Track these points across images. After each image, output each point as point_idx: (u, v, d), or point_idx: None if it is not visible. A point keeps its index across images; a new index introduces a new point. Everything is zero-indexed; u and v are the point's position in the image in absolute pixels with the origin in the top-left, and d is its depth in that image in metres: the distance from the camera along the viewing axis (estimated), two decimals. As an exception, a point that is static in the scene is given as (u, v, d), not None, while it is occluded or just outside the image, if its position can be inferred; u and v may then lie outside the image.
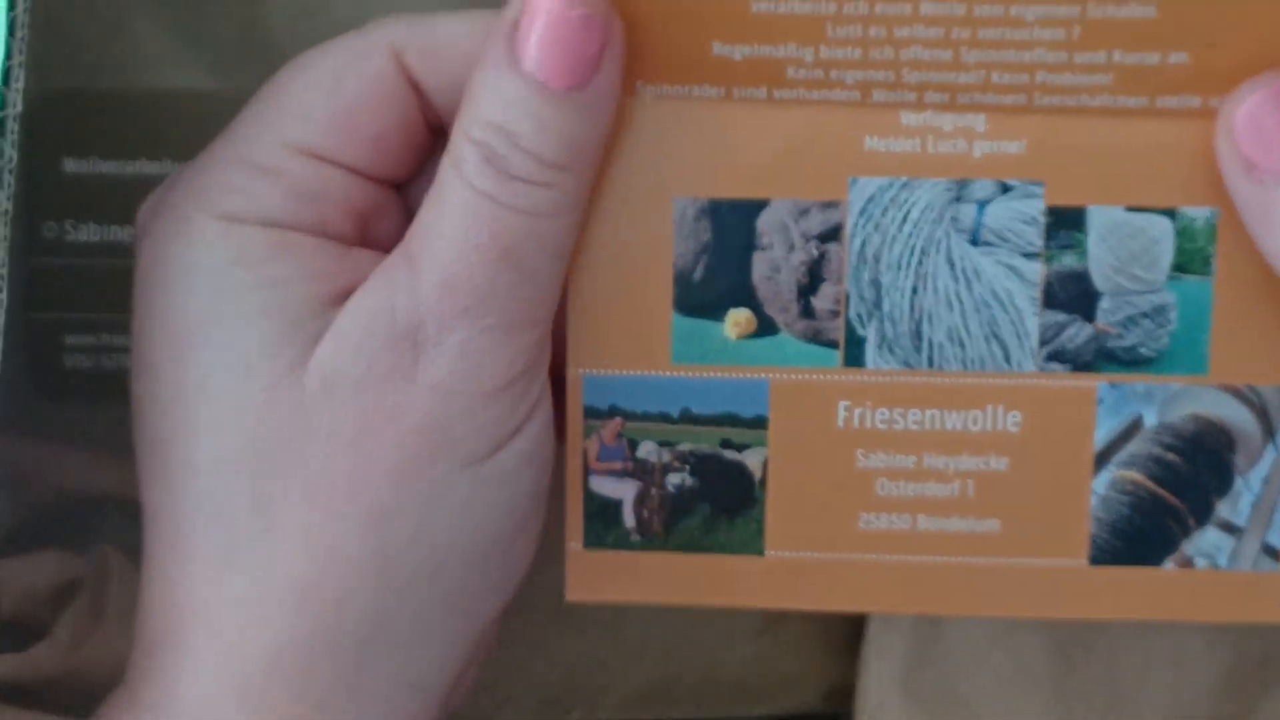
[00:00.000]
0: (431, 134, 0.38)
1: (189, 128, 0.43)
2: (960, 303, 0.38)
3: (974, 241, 0.38)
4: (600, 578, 0.40)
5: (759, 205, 0.38)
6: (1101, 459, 0.38)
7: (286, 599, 0.36)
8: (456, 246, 0.36)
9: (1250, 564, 0.39)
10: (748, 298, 0.38)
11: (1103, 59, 0.36)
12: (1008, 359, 0.38)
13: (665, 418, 0.39)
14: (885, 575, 0.39)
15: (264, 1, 0.43)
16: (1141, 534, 0.39)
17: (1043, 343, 0.38)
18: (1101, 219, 0.38)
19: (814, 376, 0.39)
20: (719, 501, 0.39)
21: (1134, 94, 0.37)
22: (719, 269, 0.38)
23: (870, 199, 0.38)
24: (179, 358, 0.37)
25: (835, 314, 0.38)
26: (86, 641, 0.45)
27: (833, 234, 0.38)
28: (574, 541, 0.39)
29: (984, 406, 0.38)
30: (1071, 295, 0.38)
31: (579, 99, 0.36)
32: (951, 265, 0.38)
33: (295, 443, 0.36)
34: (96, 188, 0.44)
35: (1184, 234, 0.38)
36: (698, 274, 0.38)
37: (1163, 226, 0.38)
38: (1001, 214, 0.38)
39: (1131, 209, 0.38)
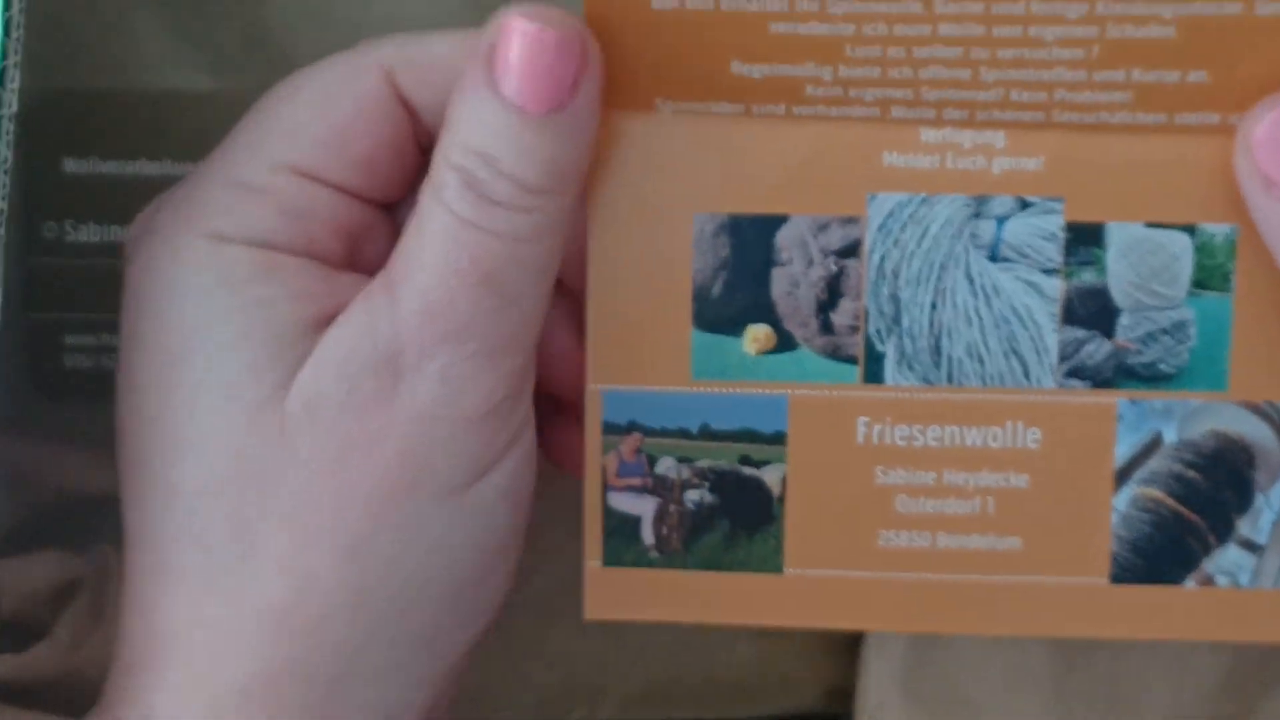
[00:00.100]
0: (422, 154, 0.38)
1: (189, 128, 0.43)
2: (979, 319, 0.38)
3: (993, 257, 0.38)
4: (619, 596, 0.39)
5: (778, 221, 0.38)
6: (1122, 476, 0.38)
7: (262, 626, 0.36)
8: (437, 272, 0.36)
9: (1272, 582, 0.39)
10: (767, 313, 0.38)
11: (1121, 77, 0.36)
12: (1027, 375, 0.38)
13: (684, 434, 0.39)
14: (905, 593, 0.39)
15: (265, 2, 0.43)
16: (1162, 552, 0.39)
17: (1062, 359, 0.38)
18: (1121, 235, 0.38)
19: (833, 392, 0.38)
20: (738, 518, 0.39)
21: (1153, 111, 0.37)
22: (738, 284, 0.38)
23: (889, 214, 0.38)
24: (164, 379, 0.36)
25: (854, 329, 0.38)
26: (86, 642, 0.45)
27: (852, 249, 0.38)
28: (593, 559, 0.39)
29: (1003, 423, 0.38)
30: (1091, 311, 0.38)
31: (558, 122, 0.36)
32: (970, 281, 0.38)
33: (276, 467, 0.36)
34: (96, 188, 0.44)
35: (1203, 250, 0.38)
36: (717, 289, 0.38)
37: (1182, 243, 0.38)
38: (1021, 230, 0.38)
39: (1151, 225, 0.38)
